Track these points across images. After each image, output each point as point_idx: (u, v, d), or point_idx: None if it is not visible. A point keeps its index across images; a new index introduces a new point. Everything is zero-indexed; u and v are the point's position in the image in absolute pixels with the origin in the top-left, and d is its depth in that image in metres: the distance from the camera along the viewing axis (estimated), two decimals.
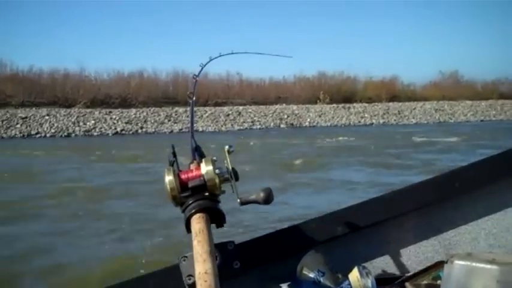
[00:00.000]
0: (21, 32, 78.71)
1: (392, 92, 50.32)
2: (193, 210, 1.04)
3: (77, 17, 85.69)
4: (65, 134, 29.93)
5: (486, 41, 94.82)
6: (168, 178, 1.05)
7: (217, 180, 1.05)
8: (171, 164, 1.11)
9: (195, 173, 1.08)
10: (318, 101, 45.40)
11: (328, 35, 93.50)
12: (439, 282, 1.23)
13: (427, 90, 52.63)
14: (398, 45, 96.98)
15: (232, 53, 1.50)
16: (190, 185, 1.06)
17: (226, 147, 1.10)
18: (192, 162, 1.14)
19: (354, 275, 1.20)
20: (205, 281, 0.87)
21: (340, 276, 1.21)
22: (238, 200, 1.09)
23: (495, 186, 1.45)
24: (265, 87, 50.39)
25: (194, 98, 1.37)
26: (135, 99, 41.43)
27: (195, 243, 0.97)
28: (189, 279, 1.10)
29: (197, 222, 1.01)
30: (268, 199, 1.09)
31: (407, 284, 1.24)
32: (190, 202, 1.05)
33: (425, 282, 1.26)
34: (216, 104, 42.13)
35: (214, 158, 1.09)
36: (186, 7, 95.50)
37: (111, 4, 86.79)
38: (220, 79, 48.71)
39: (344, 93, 48.46)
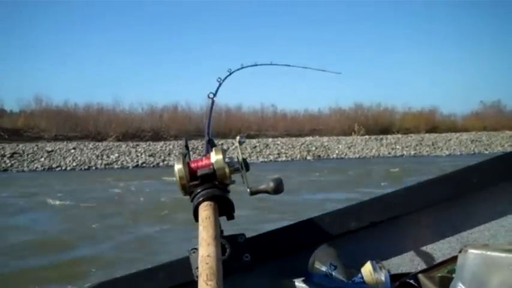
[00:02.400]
0: (58, 68, 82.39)
1: (431, 123, 49.02)
2: (201, 198, 1.04)
3: (113, 52, 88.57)
4: (86, 167, 30.07)
5: None
6: (178, 167, 1.06)
7: (227, 170, 1.05)
8: (184, 156, 1.11)
9: (204, 162, 1.08)
10: (353, 133, 44.74)
11: (365, 67, 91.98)
12: (453, 275, 1.15)
13: (468, 121, 50.79)
14: (438, 76, 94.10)
15: (256, 65, 1.51)
16: (199, 173, 1.06)
17: (238, 138, 1.11)
18: (205, 155, 1.14)
19: (367, 268, 1.18)
20: (207, 263, 0.86)
21: (353, 270, 1.20)
22: (248, 190, 1.09)
23: None
24: (299, 119, 50.26)
25: (214, 98, 1.44)
26: (167, 133, 42.26)
27: (200, 229, 0.96)
28: (198, 270, 1.05)
29: (204, 210, 1.01)
30: (278, 189, 1.08)
31: (420, 276, 1.19)
32: (199, 190, 1.05)
33: (439, 275, 1.20)
34: (248, 137, 42.10)
35: (225, 147, 1.10)
36: (222, 36, 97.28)
37: (147, 40, 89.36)
38: (254, 111, 49.08)
39: (381, 125, 47.57)
